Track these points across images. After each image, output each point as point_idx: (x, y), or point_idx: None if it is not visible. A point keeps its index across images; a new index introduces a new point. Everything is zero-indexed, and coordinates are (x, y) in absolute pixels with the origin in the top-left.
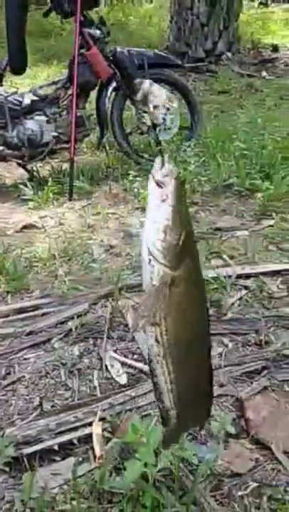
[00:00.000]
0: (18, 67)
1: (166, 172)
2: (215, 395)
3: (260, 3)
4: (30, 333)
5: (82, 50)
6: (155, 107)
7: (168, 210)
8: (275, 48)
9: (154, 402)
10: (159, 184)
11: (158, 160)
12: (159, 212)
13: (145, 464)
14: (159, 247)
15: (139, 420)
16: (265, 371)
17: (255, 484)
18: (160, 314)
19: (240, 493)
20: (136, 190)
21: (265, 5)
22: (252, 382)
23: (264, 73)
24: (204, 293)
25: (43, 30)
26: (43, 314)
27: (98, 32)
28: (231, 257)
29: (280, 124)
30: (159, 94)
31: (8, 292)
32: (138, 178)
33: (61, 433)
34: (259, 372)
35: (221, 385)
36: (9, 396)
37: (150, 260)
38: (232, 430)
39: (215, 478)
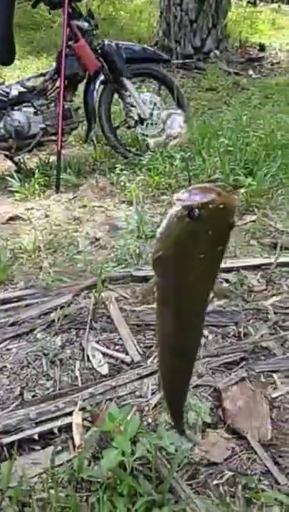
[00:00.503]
0: (6, 58)
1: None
2: (193, 385)
3: (249, 2)
4: (13, 323)
5: (70, 43)
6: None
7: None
8: (262, 47)
9: (134, 392)
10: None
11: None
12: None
13: (123, 453)
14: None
15: (117, 409)
16: (243, 362)
17: (231, 473)
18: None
19: (215, 482)
20: (122, 183)
21: (254, 4)
22: (230, 373)
23: (251, 72)
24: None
25: (33, 23)
26: (27, 305)
27: (86, 24)
28: None
29: (264, 122)
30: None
31: None
32: (125, 172)
33: (41, 422)
34: (237, 363)
35: (200, 376)
36: None
37: None
38: (209, 420)
39: (191, 467)
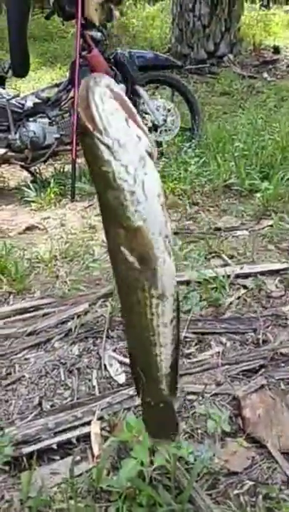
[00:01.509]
0: (21, 70)
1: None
2: (212, 393)
3: (262, 5)
4: (31, 333)
5: (83, 53)
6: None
7: None
8: (277, 50)
9: None
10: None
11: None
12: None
13: (141, 463)
14: None
15: (135, 419)
16: (263, 370)
17: (251, 483)
18: None
19: (236, 492)
20: None
21: (267, 7)
22: (249, 381)
23: (265, 75)
24: None
25: (47, 34)
26: (44, 315)
27: (99, 34)
28: (231, 257)
29: (280, 125)
30: None
31: (10, 293)
32: None
33: (60, 432)
34: (256, 370)
35: (218, 384)
36: (9, 396)
37: None
38: (228, 428)
39: (211, 477)
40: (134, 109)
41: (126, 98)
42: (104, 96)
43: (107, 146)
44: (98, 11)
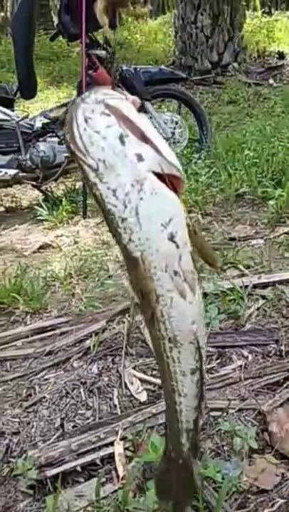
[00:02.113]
0: (28, 92)
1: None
2: (237, 408)
3: (264, 12)
4: (49, 353)
5: (89, 71)
6: None
7: None
8: (281, 55)
9: None
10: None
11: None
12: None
13: None
14: None
15: (158, 438)
16: (287, 382)
17: (283, 501)
18: None
19: (266, 511)
20: None
21: (269, 13)
22: (274, 395)
23: (271, 81)
24: None
25: (52, 54)
26: (62, 333)
27: (104, 52)
28: (247, 267)
29: None
30: None
31: (27, 313)
32: None
33: (83, 453)
34: (281, 383)
35: (243, 399)
36: (31, 418)
37: None
38: (255, 445)
39: (240, 496)
40: (142, 123)
41: (130, 112)
42: (92, 113)
43: (92, 168)
44: (105, 13)
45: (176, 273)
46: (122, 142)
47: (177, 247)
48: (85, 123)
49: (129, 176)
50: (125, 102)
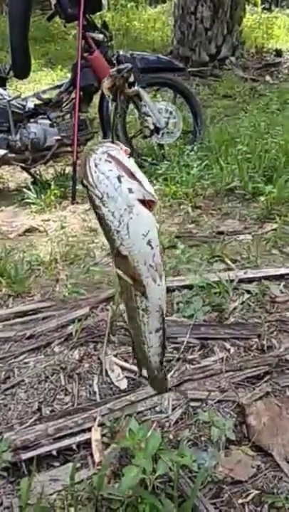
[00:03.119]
0: (21, 71)
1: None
2: (216, 400)
3: (264, 8)
4: (30, 336)
5: (85, 54)
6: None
7: None
8: (279, 53)
9: (154, 407)
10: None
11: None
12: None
13: (144, 471)
14: None
15: (137, 425)
16: (267, 376)
17: (256, 492)
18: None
19: (240, 501)
20: None
21: (269, 10)
22: (254, 388)
23: (268, 77)
24: None
25: (48, 35)
26: (44, 318)
27: (101, 36)
28: (234, 261)
29: (283, 128)
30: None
31: (9, 296)
32: None
33: (60, 438)
34: (261, 377)
35: (222, 391)
36: (8, 400)
37: None
38: (233, 436)
39: (215, 486)
40: (132, 167)
41: (124, 159)
42: (100, 161)
43: (98, 197)
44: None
45: (150, 266)
46: (119, 181)
47: (152, 248)
48: (95, 167)
49: (123, 203)
50: (121, 152)
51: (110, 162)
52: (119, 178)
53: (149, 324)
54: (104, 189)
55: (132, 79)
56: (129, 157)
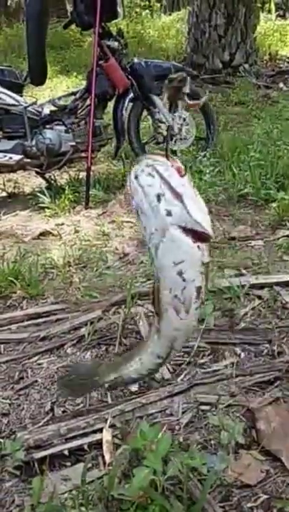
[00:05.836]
0: (38, 78)
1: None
2: (226, 404)
3: (278, 15)
4: (43, 338)
5: (100, 62)
6: None
7: None
8: None
9: (164, 410)
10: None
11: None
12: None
13: (154, 472)
14: None
15: (148, 427)
16: (278, 382)
17: (265, 496)
18: None
19: (249, 505)
20: None
21: (283, 17)
22: (264, 393)
23: (281, 85)
24: None
25: (64, 42)
26: (57, 320)
27: (116, 44)
28: (245, 267)
29: None
30: None
31: (23, 298)
32: None
33: (72, 438)
34: (271, 382)
35: (233, 395)
36: (22, 400)
37: None
38: (242, 441)
39: (224, 489)
40: (182, 189)
41: (172, 178)
42: (142, 172)
43: (133, 206)
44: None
45: (176, 297)
46: (158, 199)
47: (183, 280)
48: (134, 178)
49: (156, 224)
50: (170, 169)
51: (153, 177)
52: (158, 197)
53: (155, 346)
54: (139, 203)
55: (186, 89)
56: (182, 176)
